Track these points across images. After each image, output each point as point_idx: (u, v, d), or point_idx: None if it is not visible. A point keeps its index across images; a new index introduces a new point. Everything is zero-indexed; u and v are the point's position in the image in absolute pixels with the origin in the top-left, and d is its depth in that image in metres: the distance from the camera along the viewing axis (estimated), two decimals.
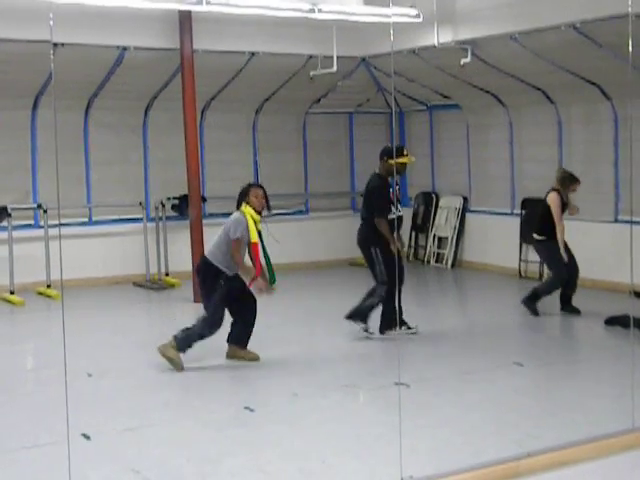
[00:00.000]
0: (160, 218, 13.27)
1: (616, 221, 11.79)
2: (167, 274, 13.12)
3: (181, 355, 8.00)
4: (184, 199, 12.48)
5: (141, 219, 13.12)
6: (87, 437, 6.16)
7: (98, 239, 13.13)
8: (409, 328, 9.10)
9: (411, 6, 11.14)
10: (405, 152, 9.25)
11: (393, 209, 8.99)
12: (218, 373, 8.05)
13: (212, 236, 12.17)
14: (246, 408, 6.85)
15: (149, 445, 6.12)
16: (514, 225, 13.16)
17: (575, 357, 8.53)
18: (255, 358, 8.27)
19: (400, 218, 9.38)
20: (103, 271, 13.06)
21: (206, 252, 8.43)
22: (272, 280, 8.27)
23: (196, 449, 6.01)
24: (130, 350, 9.12)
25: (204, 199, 12.83)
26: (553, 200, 10.29)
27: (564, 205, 10.37)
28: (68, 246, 11.78)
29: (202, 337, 8.07)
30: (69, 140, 12.75)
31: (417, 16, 11.25)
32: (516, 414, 6.68)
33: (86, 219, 13.14)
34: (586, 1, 9.66)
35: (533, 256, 12.80)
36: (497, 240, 12.60)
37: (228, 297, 8.08)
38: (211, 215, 13.51)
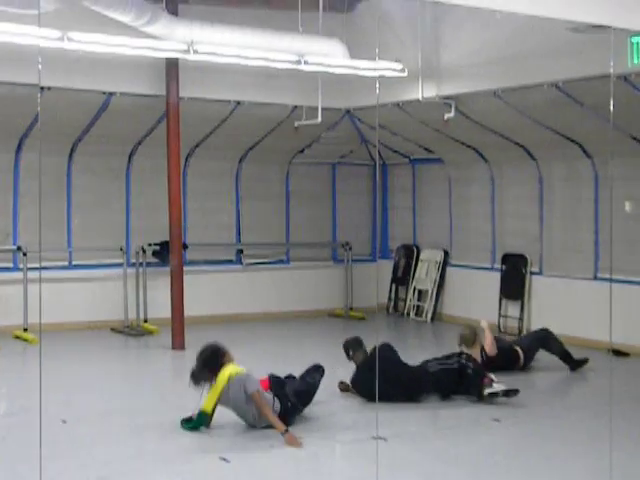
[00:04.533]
0: (140, 264, 13.21)
1: (595, 279, 11.83)
2: (146, 320, 13.04)
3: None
4: (165, 245, 12.44)
5: (121, 264, 13.07)
6: None
7: (77, 283, 13.06)
8: None
9: (396, 60, 11.26)
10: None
11: None
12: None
13: (192, 283, 12.29)
14: (222, 459, 6.78)
15: None
16: (494, 280, 13.19)
17: (553, 414, 8.50)
18: None
19: None
20: (81, 316, 12.96)
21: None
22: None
23: None
24: (106, 397, 9.03)
25: (185, 246, 12.82)
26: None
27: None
28: (47, 290, 11.66)
29: None
30: (52, 183, 12.72)
31: (402, 70, 11.35)
32: (493, 471, 6.65)
33: (66, 263, 13.07)
34: (569, 61, 9.79)
35: (512, 311, 12.85)
36: (477, 294, 12.62)
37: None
38: (192, 262, 13.51)
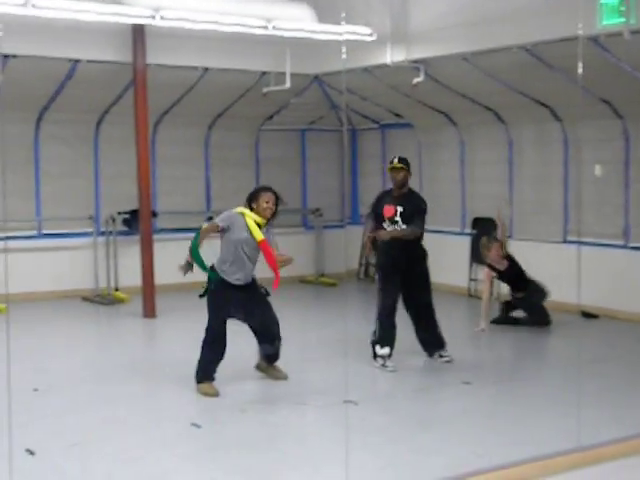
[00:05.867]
0: (110, 232, 13.15)
1: (565, 242, 11.92)
2: (117, 289, 13.00)
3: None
4: (135, 214, 12.38)
5: (91, 233, 13.01)
6: (31, 452, 6.05)
7: (47, 253, 12.98)
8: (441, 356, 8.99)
9: (364, 24, 11.21)
10: (395, 161, 8.87)
11: (386, 224, 8.71)
12: (166, 389, 7.96)
13: (163, 251, 12.27)
14: (193, 424, 6.79)
15: (94, 462, 6.02)
16: (464, 244, 13.25)
17: (523, 375, 8.58)
18: (282, 377, 8.15)
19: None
20: (52, 285, 12.90)
21: None
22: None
23: (142, 466, 5.93)
24: (77, 365, 9.01)
25: (155, 214, 12.75)
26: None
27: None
28: (17, 259, 11.75)
29: (208, 356, 7.79)
30: (19, 153, 12.60)
31: (370, 35, 11.32)
32: (464, 433, 6.70)
33: (35, 232, 12.98)
34: (538, 23, 9.78)
35: (482, 275, 12.90)
36: (447, 259, 12.65)
37: (228, 305, 7.78)
38: (162, 230, 13.45)
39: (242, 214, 7.73)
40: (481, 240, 11.10)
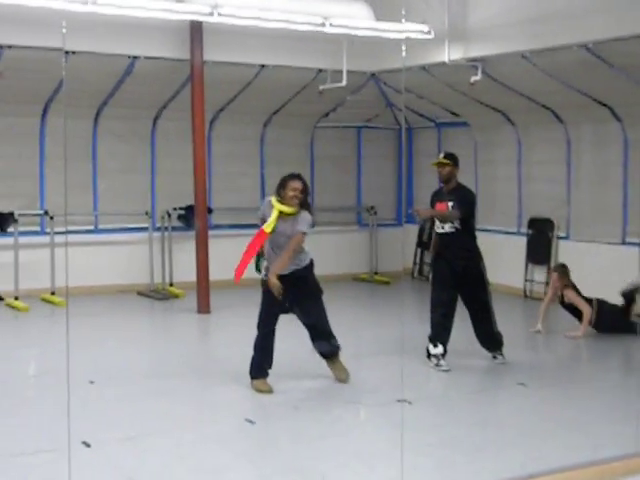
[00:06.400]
0: (166, 228, 13.26)
1: (623, 243, 11.74)
2: (171, 284, 13.10)
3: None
4: (190, 210, 12.46)
5: (147, 228, 13.11)
6: (87, 445, 6.12)
7: (104, 247, 13.13)
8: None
9: (422, 22, 11.14)
10: (440, 156, 8.88)
11: (437, 222, 8.76)
12: (220, 384, 8.00)
13: (217, 247, 12.35)
14: (247, 420, 6.82)
15: (149, 455, 6.08)
16: (520, 245, 13.12)
17: (579, 378, 8.47)
18: (342, 379, 8.01)
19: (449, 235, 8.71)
20: (108, 279, 13.04)
21: None
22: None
23: (195, 460, 5.97)
24: (133, 359, 9.10)
25: (210, 210, 12.81)
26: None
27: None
28: (73, 253, 11.88)
29: (260, 353, 7.80)
30: (78, 148, 12.76)
31: (428, 32, 11.24)
32: (519, 435, 6.63)
33: (92, 227, 13.13)
34: (599, 21, 9.64)
35: (539, 276, 12.78)
36: (503, 259, 12.52)
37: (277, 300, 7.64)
38: (217, 226, 13.54)
39: (272, 202, 7.64)
40: (557, 262, 11.27)
